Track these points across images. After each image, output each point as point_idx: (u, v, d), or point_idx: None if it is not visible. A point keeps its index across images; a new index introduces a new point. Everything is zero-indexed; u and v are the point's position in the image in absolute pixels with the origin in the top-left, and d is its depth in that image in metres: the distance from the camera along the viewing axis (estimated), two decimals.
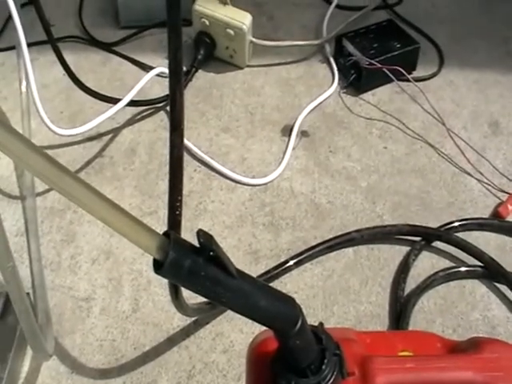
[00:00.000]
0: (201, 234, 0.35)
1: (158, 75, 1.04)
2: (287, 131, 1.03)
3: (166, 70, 1.04)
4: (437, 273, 0.83)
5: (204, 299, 0.69)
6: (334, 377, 0.43)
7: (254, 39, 1.11)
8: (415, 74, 1.12)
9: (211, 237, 0.35)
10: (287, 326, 0.40)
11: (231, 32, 1.09)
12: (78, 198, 0.32)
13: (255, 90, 1.10)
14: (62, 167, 0.32)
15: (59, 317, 0.80)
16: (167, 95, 1.05)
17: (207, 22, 1.10)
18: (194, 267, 0.35)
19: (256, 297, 0.38)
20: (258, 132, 1.03)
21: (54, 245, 0.87)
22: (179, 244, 0.35)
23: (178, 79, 0.48)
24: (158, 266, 0.35)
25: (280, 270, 0.84)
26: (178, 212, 0.55)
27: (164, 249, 0.34)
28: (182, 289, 0.65)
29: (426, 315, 0.81)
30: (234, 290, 0.37)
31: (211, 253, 0.35)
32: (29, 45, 0.82)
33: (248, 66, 1.14)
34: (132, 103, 1.00)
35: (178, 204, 0.55)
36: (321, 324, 0.46)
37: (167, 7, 0.43)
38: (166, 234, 0.36)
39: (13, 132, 0.30)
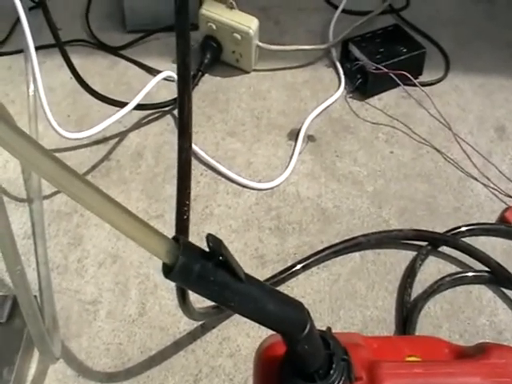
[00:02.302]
0: (210, 238, 0.35)
1: (164, 79, 1.04)
2: (293, 136, 1.03)
3: (173, 74, 1.04)
4: (443, 278, 0.83)
5: (211, 303, 0.70)
6: (341, 382, 0.43)
7: (260, 43, 1.12)
8: (421, 78, 1.12)
9: (220, 241, 0.36)
10: (295, 331, 0.40)
11: (238, 36, 1.09)
12: (87, 201, 0.32)
13: (261, 94, 1.11)
14: (71, 170, 0.32)
15: (66, 320, 0.80)
16: (174, 99, 1.06)
17: (214, 27, 1.11)
18: (204, 272, 0.35)
19: (264, 301, 0.38)
20: (264, 136, 1.03)
21: (61, 248, 0.87)
22: (189, 248, 0.35)
23: (186, 84, 0.48)
24: (168, 270, 0.35)
25: (286, 274, 0.83)
26: (185, 216, 0.55)
27: (173, 253, 0.34)
28: (189, 292, 0.66)
29: (433, 320, 0.80)
30: (243, 295, 0.37)
31: (220, 257, 0.35)
32: (36, 48, 0.82)
33: (254, 71, 1.15)
34: (139, 107, 1.00)
35: (186, 209, 0.55)
36: (329, 329, 0.46)
37: (175, 13, 0.43)
38: (175, 238, 0.36)
39: (22, 134, 0.31)
